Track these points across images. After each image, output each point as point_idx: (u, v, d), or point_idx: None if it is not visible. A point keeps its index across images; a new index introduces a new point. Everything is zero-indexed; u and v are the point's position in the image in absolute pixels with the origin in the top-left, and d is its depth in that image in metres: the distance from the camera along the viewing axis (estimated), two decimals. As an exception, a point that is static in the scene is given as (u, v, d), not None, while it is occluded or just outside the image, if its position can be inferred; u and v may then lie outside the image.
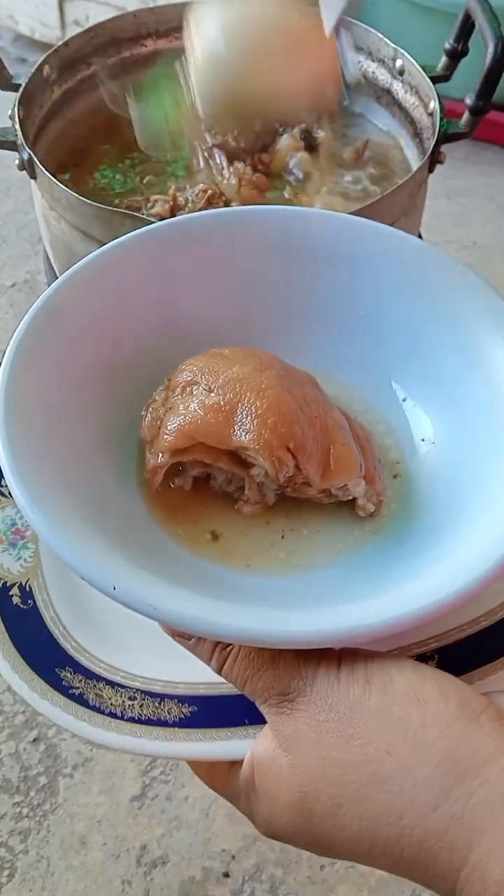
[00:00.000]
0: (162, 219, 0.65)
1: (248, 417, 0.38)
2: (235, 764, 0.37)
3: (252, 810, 0.35)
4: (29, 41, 1.49)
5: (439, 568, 0.35)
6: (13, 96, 0.73)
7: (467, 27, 0.75)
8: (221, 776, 0.38)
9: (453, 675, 0.33)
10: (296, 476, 0.39)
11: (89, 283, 0.43)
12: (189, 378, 0.40)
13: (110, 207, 0.64)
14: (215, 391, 0.39)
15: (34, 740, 0.78)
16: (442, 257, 0.45)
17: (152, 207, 0.70)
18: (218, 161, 0.75)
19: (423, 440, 0.44)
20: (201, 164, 0.76)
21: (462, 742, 0.30)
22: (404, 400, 0.45)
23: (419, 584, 0.35)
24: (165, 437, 0.39)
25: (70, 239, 0.69)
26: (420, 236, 0.78)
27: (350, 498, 0.41)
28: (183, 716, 0.38)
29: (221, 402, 0.39)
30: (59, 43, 0.79)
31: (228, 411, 0.38)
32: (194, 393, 0.40)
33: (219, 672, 0.36)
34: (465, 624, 0.41)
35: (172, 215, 0.68)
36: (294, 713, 0.33)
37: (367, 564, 0.39)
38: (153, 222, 0.59)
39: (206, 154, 0.75)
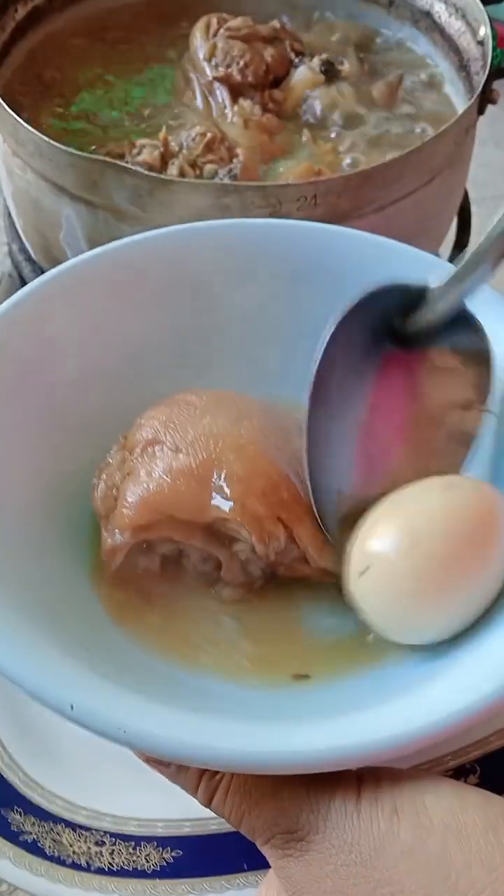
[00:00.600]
0: (150, 168, 0.57)
1: (228, 482, 0.34)
2: None
3: None
4: None
5: (480, 660, 0.31)
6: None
7: None
8: (217, 935, 0.35)
9: (501, 795, 0.29)
10: (288, 551, 0.35)
11: (22, 322, 0.38)
12: (150, 435, 0.36)
13: (88, 154, 0.56)
14: (184, 451, 0.35)
15: None
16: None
17: (138, 155, 0.60)
18: (219, 98, 0.65)
19: None
20: (199, 101, 0.65)
21: None
22: None
23: (455, 681, 0.30)
24: (125, 510, 0.34)
25: (37, 191, 0.60)
26: (466, 191, 0.69)
27: None
28: (165, 863, 0.36)
29: (193, 465, 0.34)
30: None
31: (202, 476, 0.34)
32: (157, 454, 0.35)
33: (207, 806, 0.31)
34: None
35: (164, 163, 0.59)
36: (305, 855, 0.29)
37: (386, 660, 0.34)
38: (138, 172, 0.52)
39: (204, 89, 0.65)
